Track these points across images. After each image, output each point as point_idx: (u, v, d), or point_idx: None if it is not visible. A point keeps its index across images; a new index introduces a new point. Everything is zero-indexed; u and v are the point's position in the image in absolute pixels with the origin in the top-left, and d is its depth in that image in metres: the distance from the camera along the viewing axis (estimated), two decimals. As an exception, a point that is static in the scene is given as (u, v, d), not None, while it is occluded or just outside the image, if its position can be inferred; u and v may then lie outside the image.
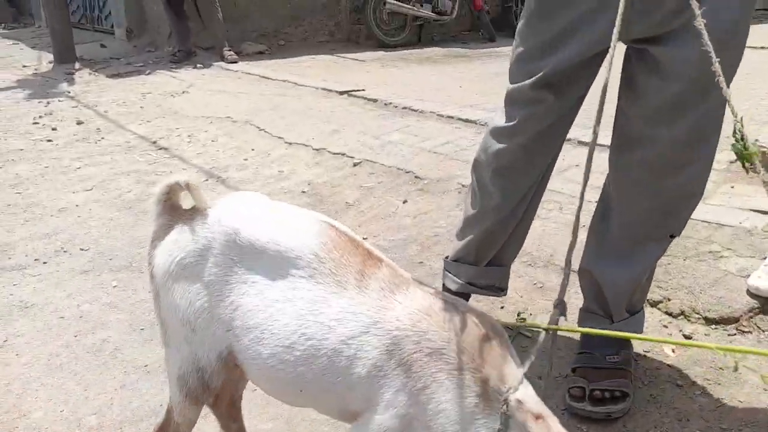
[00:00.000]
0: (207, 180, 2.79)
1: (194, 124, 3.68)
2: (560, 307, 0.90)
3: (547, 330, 0.85)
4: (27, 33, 8.12)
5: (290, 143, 3.15)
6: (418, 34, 6.65)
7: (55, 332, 1.66)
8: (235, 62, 5.43)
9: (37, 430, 1.32)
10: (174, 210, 0.98)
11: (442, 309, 0.82)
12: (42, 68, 5.68)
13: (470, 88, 4.21)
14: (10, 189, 2.74)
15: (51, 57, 5.83)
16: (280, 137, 3.25)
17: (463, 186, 2.38)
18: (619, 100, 1.27)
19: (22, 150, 3.30)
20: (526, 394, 0.75)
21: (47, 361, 1.53)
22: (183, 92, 4.49)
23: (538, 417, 0.73)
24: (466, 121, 3.27)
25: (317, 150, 3.01)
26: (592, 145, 1.12)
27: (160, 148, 3.28)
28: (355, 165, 2.78)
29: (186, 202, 0.99)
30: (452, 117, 3.35)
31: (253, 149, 3.16)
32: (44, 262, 2.06)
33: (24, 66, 5.81)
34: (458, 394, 0.76)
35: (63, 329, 1.67)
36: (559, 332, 1.30)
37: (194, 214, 0.96)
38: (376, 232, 2.18)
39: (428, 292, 0.85)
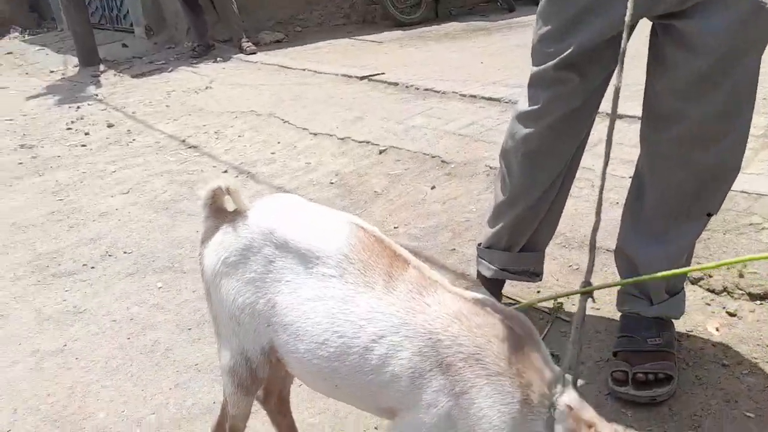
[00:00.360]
0: (237, 176, 2.85)
1: (219, 119, 3.74)
2: (585, 296, 0.91)
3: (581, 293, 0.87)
4: (51, 37, 8.28)
5: (315, 134, 3.18)
6: (435, 10, 6.55)
7: (109, 335, 1.75)
8: (254, 53, 5.45)
9: (102, 430, 1.40)
10: (219, 212, 1.04)
11: (472, 313, 0.83)
12: (68, 72, 5.81)
13: (491, 64, 4.15)
14: (52, 196, 2.85)
15: (76, 60, 5.95)
16: (304, 128, 3.28)
17: (491, 168, 2.37)
18: (647, 75, 1.26)
19: (59, 156, 3.41)
20: (573, 399, 0.75)
21: (105, 364, 1.62)
22: (206, 88, 4.55)
23: (590, 425, 0.73)
24: (490, 99, 3.24)
25: (342, 139, 3.03)
26: (611, 127, 1.12)
27: (190, 147, 3.35)
28: (380, 152, 2.79)
29: (230, 204, 1.04)
30: (475, 96, 3.32)
31: (279, 142, 3.20)
32: (92, 267, 2.16)
33: (51, 71, 5.95)
34: (499, 400, 0.77)
35: (116, 332, 1.76)
36: (596, 316, 1.31)
37: (236, 215, 1.01)
38: (406, 221, 2.20)
39: (456, 294, 0.85)
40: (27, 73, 6.10)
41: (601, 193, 1.10)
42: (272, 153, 3.07)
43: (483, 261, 1.58)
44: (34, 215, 2.63)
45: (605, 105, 1.41)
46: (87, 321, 1.83)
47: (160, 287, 1.98)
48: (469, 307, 0.83)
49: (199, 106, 4.09)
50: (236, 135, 3.42)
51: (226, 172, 2.93)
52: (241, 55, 5.45)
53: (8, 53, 7.51)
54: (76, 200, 2.78)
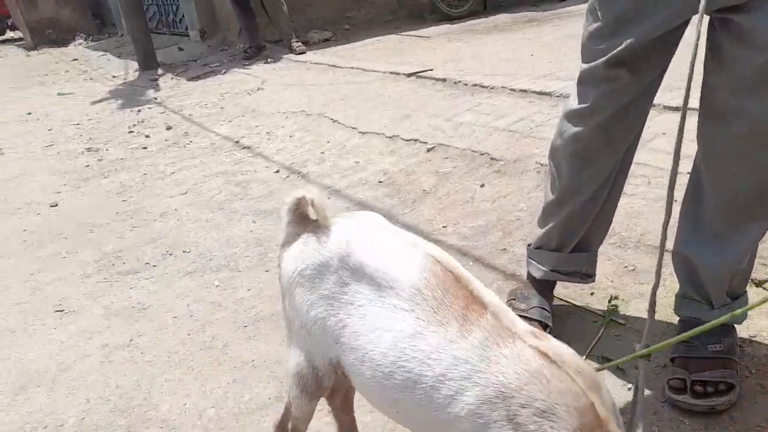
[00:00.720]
0: (288, 176, 2.92)
1: (271, 120, 3.83)
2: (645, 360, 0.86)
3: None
4: (112, 43, 8.70)
5: (363, 133, 3.21)
6: (483, 2, 6.47)
7: (171, 331, 1.84)
8: (304, 53, 5.54)
9: (166, 421, 1.48)
10: (302, 219, 1.06)
11: (554, 376, 0.76)
12: (129, 77, 6.10)
13: (542, 56, 4.06)
14: (117, 197, 3.01)
15: (136, 65, 6.23)
16: (353, 128, 3.31)
17: (541, 165, 2.33)
18: (705, 70, 1.21)
19: (122, 159, 3.60)
20: None
21: (167, 359, 1.71)
22: (258, 89, 4.67)
23: None
24: (540, 93, 3.18)
25: (390, 138, 3.05)
26: (682, 122, 1.08)
27: (243, 147, 3.46)
28: (428, 150, 2.79)
29: (313, 212, 1.05)
30: (525, 91, 3.26)
31: (328, 142, 3.25)
32: (154, 266, 2.27)
33: (113, 76, 6.26)
34: None
35: (177, 328, 1.85)
36: (656, 314, 1.25)
37: (318, 227, 1.03)
38: (455, 220, 2.20)
39: (537, 350, 0.79)
40: (91, 79, 6.44)
41: (670, 199, 1.05)
42: (322, 152, 3.13)
43: (533, 262, 1.57)
44: (100, 216, 2.79)
45: (659, 97, 1.36)
46: (151, 317, 1.93)
47: (217, 285, 2.06)
48: (551, 370, 0.77)
49: (251, 107, 4.21)
50: (287, 135, 3.50)
51: (278, 172, 3.01)
52: (291, 56, 5.55)
53: (74, 60, 7.95)
54: (139, 201, 2.92)
